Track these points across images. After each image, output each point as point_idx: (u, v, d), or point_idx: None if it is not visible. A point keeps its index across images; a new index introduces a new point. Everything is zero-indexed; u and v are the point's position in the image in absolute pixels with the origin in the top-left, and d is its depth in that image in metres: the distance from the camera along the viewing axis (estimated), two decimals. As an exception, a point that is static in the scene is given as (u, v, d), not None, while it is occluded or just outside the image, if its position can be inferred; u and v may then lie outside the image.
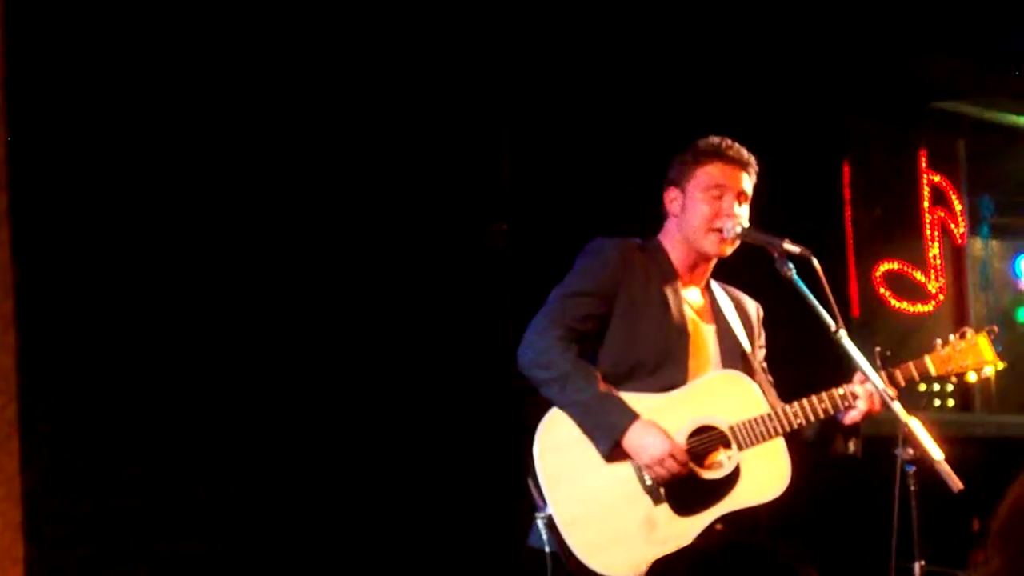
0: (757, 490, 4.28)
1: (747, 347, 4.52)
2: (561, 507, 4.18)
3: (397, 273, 6.64)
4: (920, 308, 8.33)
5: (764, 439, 4.27)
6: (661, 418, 4.23)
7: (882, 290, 8.18)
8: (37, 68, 6.21)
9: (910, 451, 4.12)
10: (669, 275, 4.44)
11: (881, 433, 4.39)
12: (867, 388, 4.30)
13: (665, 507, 4.20)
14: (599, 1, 6.98)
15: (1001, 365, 4.55)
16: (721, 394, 4.34)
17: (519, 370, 4.31)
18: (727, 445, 4.26)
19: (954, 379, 4.57)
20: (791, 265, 4.26)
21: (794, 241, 4.29)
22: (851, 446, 4.47)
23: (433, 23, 6.77)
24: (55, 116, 6.27)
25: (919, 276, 8.31)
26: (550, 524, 4.16)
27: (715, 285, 4.59)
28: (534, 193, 6.96)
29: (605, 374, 4.28)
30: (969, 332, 4.50)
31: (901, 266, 8.26)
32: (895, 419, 4.14)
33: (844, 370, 4.33)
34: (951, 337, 4.48)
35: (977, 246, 8.73)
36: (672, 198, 4.50)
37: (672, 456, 4.15)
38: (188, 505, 6.42)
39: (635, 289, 4.39)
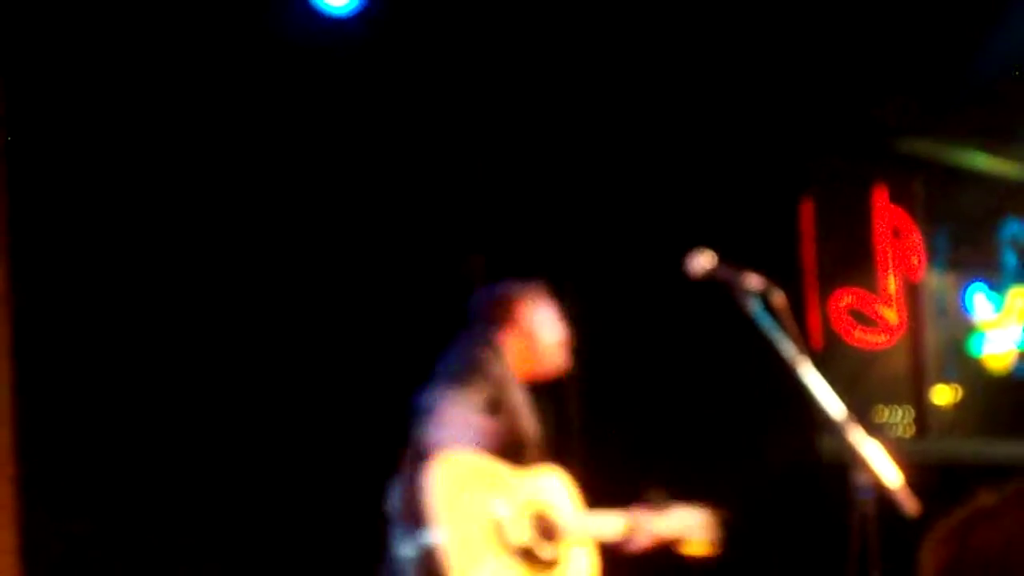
0: None
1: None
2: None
3: (375, 303, 6.76)
4: (879, 339, 8.49)
5: (582, 538, 4.71)
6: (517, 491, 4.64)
7: (841, 322, 8.33)
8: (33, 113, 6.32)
9: (866, 477, 4.23)
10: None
11: (838, 459, 4.50)
12: (649, 528, 4.76)
13: (521, 568, 4.56)
14: (562, 49, 7.12)
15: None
16: (555, 487, 4.74)
17: None
18: (558, 533, 4.65)
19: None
20: (753, 300, 4.42)
21: (755, 275, 4.45)
22: None
23: (411, 60, 6.90)
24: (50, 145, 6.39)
25: (878, 309, 8.47)
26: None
27: None
28: (511, 225, 7.08)
29: None
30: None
31: (860, 299, 8.42)
32: (851, 445, 4.28)
33: (805, 402, 4.45)
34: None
35: (933, 280, 8.88)
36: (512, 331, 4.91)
37: None
38: (187, 532, 6.50)
39: None
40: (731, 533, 4.93)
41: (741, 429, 7.35)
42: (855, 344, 8.40)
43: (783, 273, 5.08)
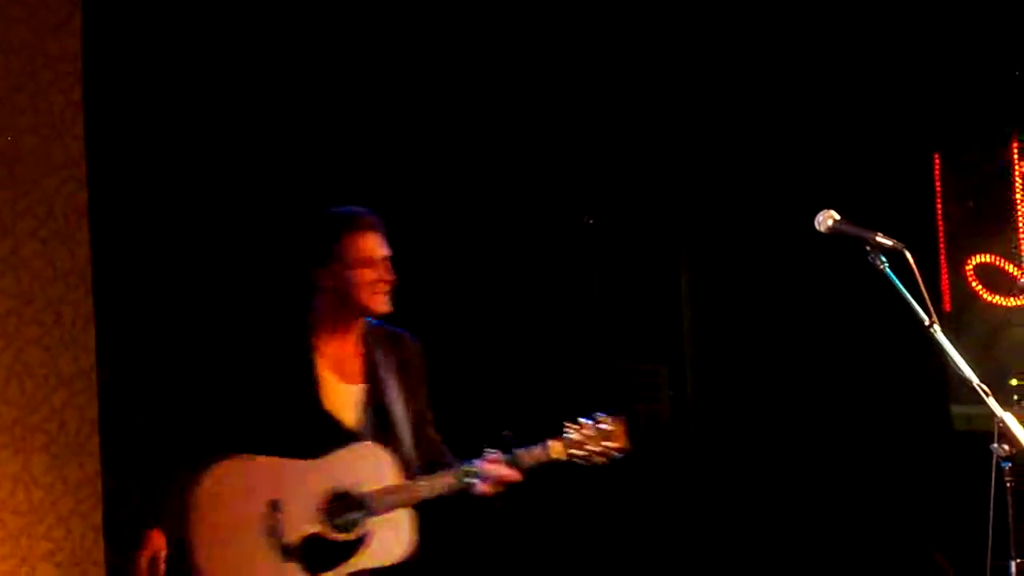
0: (384, 553, 4.68)
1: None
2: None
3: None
4: (1013, 302, 8.21)
5: (393, 508, 4.70)
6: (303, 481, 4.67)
7: (974, 284, 8.06)
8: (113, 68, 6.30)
9: (1005, 447, 4.11)
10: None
11: (975, 428, 4.37)
12: (490, 470, 4.78)
13: (294, 565, 4.62)
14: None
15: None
16: (359, 463, 4.73)
17: None
18: (359, 510, 4.66)
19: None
20: (884, 259, 4.28)
21: (887, 235, 4.30)
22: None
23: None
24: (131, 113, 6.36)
25: (1012, 269, 8.19)
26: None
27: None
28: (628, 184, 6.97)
29: None
30: (607, 420, 4.88)
31: (994, 259, 8.14)
32: (990, 414, 4.12)
33: (938, 363, 4.31)
34: (584, 421, 4.87)
35: (1071, 238, 8.56)
36: (323, 276, 4.84)
37: None
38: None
39: None
40: (860, 501, 4.76)
41: (871, 395, 7.17)
42: (988, 307, 8.13)
43: (914, 232, 4.91)
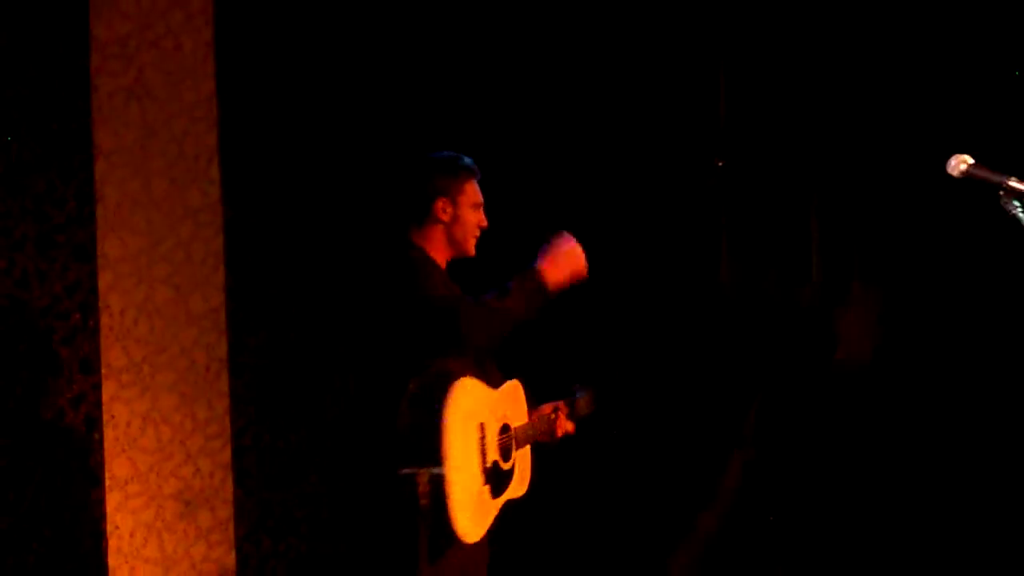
0: (518, 486, 4.98)
1: None
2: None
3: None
4: None
5: (523, 445, 5.02)
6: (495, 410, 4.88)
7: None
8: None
9: None
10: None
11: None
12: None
13: (486, 488, 4.77)
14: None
15: None
16: (513, 397, 5.04)
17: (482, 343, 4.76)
18: (512, 442, 4.94)
19: None
20: (1017, 203, 4.17)
21: (1021, 180, 4.19)
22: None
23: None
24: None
25: None
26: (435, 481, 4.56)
27: None
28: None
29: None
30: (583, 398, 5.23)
31: None
32: None
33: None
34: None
35: None
36: (442, 208, 4.91)
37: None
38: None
39: None
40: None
41: (1003, 347, 6.98)
42: None
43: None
